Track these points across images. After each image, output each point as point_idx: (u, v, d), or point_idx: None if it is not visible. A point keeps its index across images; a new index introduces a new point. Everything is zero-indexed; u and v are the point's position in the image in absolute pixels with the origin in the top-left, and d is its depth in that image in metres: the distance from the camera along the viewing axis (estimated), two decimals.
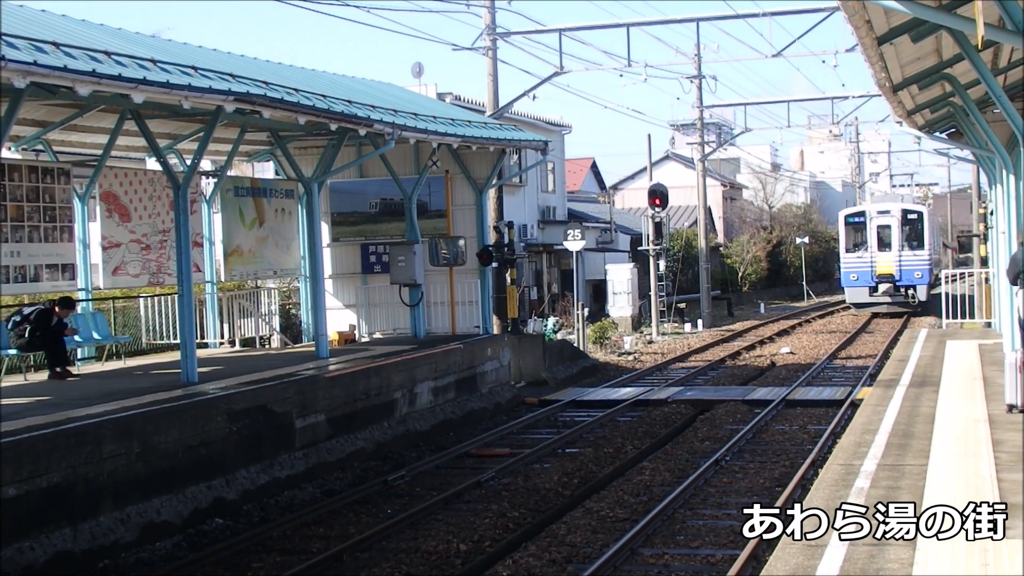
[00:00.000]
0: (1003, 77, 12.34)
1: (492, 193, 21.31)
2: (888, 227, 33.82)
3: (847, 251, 34.53)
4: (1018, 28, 6.97)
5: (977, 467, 7.68)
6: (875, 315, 34.06)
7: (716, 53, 34.35)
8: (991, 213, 20.92)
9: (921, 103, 14.58)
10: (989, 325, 19.27)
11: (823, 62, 26.90)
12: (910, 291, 33.45)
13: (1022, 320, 10.37)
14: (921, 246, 33.76)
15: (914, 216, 34.22)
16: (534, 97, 24.80)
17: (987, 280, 20.34)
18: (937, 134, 17.87)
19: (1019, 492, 6.90)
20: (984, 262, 24.87)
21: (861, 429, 9.23)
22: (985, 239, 25.09)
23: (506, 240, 20.47)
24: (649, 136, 47.39)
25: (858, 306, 34.67)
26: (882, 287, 33.54)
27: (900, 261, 33.40)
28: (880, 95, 12.95)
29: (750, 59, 38.81)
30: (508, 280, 20.93)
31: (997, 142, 13.23)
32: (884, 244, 33.73)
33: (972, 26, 6.58)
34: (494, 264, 19.83)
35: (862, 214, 34.77)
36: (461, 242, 19.06)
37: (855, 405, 13.86)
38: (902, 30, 9.40)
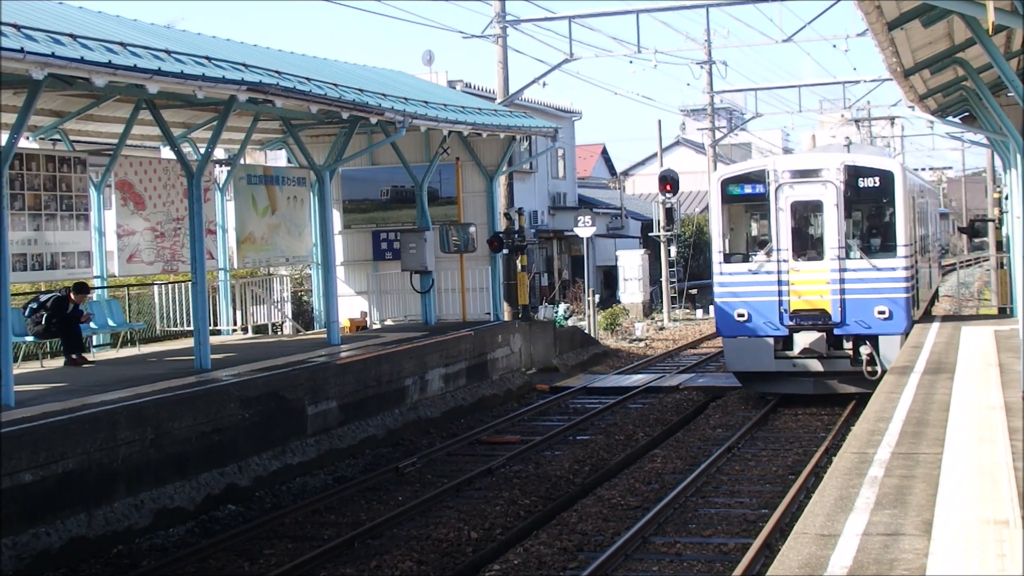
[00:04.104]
0: (1016, 61, 12.12)
1: (502, 180, 21.21)
2: (816, 205, 15.48)
3: (726, 258, 15.91)
4: None
5: (993, 455, 7.57)
6: (787, 399, 15.75)
7: (726, 39, 34.30)
8: (1006, 197, 20.67)
9: (933, 87, 14.38)
10: (1004, 311, 19.05)
11: (834, 47, 26.51)
12: (863, 348, 14.97)
13: None
14: (890, 246, 15.40)
15: (873, 181, 15.41)
16: (544, 84, 24.66)
17: (1002, 265, 20.07)
18: (950, 118, 17.63)
19: None
20: (999, 247, 24.56)
21: (875, 416, 9.12)
22: (1000, 223, 24.74)
23: (516, 227, 20.39)
24: (660, 122, 46.86)
25: (748, 380, 16.01)
26: (801, 339, 15.14)
27: (843, 281, 15.13)
28: (892, 80, 12.76)
29: (760, 44, 38.53)
30: (519, 267, 20.86)
31: (1011, 126, 13.01)
32: (807, 243, 15.63)
33: (983, 11, 6.44)
34: (504, 251, 19.76)
35: (759, 178, 15.68)
36: (472, 229, 18.99)
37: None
38: (913, 15, 9.24)
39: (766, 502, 10.51)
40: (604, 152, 50.35)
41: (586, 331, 24.29)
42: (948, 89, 14.73)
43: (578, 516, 10.13)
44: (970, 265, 48.07)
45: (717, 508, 10.41)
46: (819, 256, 15.37)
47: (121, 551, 9.50)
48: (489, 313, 19.44)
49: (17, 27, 9.53)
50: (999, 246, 24.99)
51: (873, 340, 14.95)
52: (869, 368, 14.77)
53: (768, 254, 15.48)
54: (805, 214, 15.91)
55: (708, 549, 9.20)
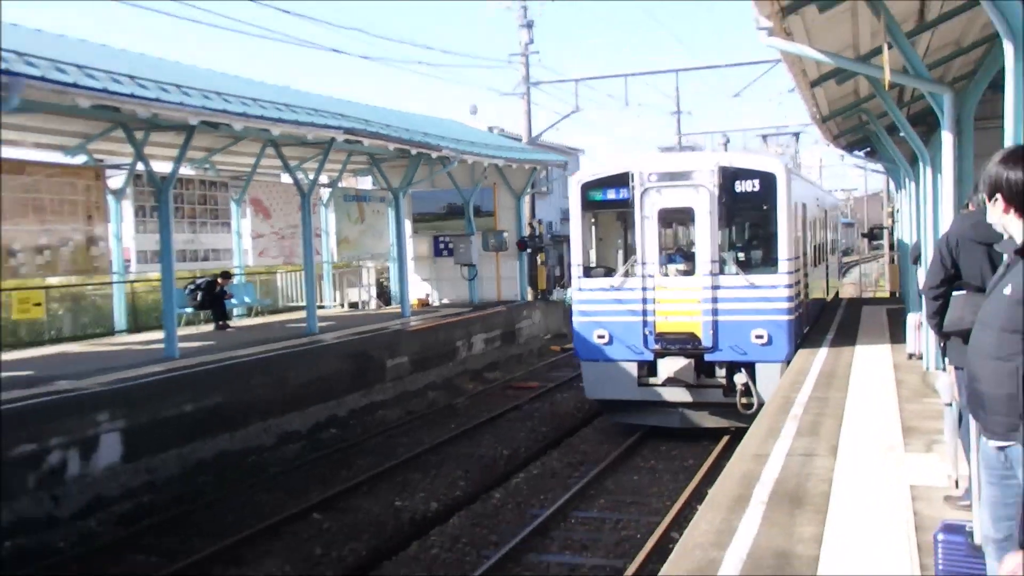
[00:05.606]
0: (907, 109, 11.89)
1: (527, 199, 21.22)
2: (686, 213, 9.92)
3: (586, 272, 10.28)
4: (916, 73, 6.73)
5: (885, 398, 7.48)
6: (655, 431, 10.14)
7: (694, 95, 33.40)
8: (897, 211, 20.33)
9: (844, 129, 14.15)
10: (894, 294, 18.80)
11: (769, 100, 25.98)
12: (737, 377, 9.60)
13: (920, 291, 10.04)
14: (772, 259, 9.68)
15: (752, 185, 9.60)
16: (557, 129, 24.55)
17: (893, 261, 19.78)
18: (856, 152, 17.36)
19: (916, 418, 6.72)
20: (891, 247, 24.28)
21: (797, 371, 9.03)
22: (892, 230, 24.49)
23: (537, 233, 20.41)
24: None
25: (610, 408, 10.47)
26: (667, 365, 9.65)
27: (715, 300, 9.62)
28: (813, 124, 12.57)
29: (717, 98, 38.07)
30: (539, 262, 20.86)
31: (902, 158, 12.81)
32: (676, 256, 10.47)
33: (881, 72, 6.34)
34: (529, 250, 19.81)
35: (622, 181, 9.91)
36: (504, 234, 19.04)
37: None
38: (829, 76, 9.08)
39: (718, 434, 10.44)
40: None
41: None
42: (855, 130, 14.49)
43: (580, 439, 10.14)
44: (869, 262, 47.24)
45: (685, 438, 10.33)
46: (690, 271, 9.90)
47: (254, 461, 9.65)
48: (517, 295, 19.49)
49: (178, 87, 9.67)
50: (891, 246, 24.73)
51: (749, 368, 9.64)
52: (744, 400, 9.60)
53: (632, 268, 9.98)
54: (675, 223, 11.46)
55: (678, 459, 9.16)
